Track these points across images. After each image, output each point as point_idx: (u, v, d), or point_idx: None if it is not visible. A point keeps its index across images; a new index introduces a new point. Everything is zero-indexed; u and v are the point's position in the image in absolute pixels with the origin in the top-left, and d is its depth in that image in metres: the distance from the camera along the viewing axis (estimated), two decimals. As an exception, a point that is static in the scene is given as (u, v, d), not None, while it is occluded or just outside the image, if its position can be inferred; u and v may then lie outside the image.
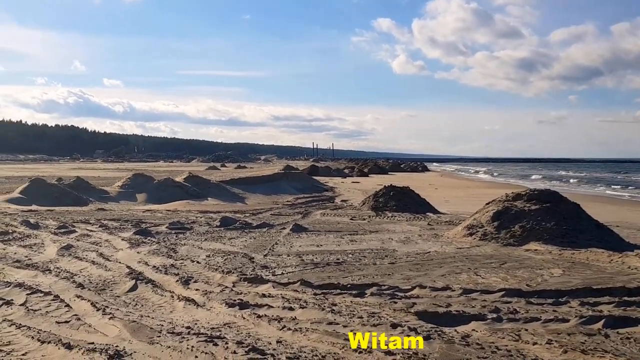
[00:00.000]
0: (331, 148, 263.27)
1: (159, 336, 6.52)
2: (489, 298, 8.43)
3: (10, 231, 15.20)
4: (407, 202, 24.19)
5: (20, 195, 25.05)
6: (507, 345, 6.17)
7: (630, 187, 55.92)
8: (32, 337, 6.56)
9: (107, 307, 7.99)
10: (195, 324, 7.15)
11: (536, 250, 13.50)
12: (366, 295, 8.63)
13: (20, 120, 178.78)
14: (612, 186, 57.72)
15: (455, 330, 6.79)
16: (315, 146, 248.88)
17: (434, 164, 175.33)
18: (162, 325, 7.00)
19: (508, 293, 8.64)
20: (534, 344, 6.14)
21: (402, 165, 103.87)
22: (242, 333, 6.72)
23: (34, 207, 22.68)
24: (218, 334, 6.63)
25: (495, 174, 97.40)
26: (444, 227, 17.98)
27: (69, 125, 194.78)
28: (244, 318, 7.31)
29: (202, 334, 6.56)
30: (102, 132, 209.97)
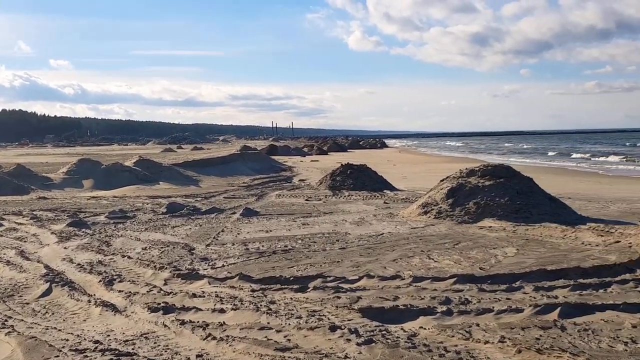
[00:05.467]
0: (291, 127, 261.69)
1: (57, 356, 5.72)
2: (439, 286, 7.87)
3: None
4: (365, 180, 23.74)
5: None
6: (456, 346, 5.59)
7: (580, 158, 56.61)
8: None
9: (9, 318, 7.16)
10: (108, 335, 6.36)
11: (490, 227, 13.09)
12: (308, 290, 7.98)
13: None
14: (564, 157, 58.35)
15: (402, 329, 6.19)
16: (274, 125, 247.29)
17: (393, 140, 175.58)
18: (67, 341, 6.18)
19: (460, 279, 8.10)
20: (486, 342, 5.56)
21: (361, 143, 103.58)
22: (159, 346, 5.98)
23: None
24: (130, 348, 5.87)
25: (455, 148, 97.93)
26: (400, 205, 17.50)
27: (17, 109, 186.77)
28: (165, 326, 6.55)
29: (111, 350, 5.78)
30: (53, 115, 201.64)
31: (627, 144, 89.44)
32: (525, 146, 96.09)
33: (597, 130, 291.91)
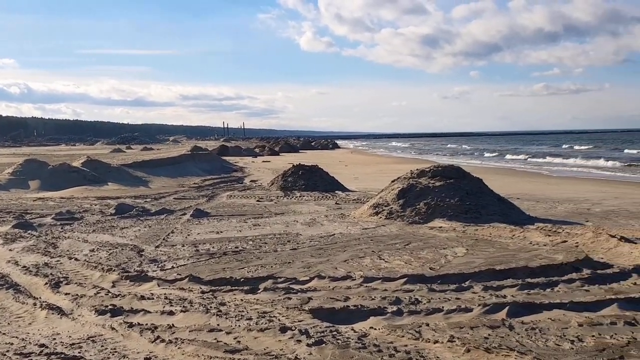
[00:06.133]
0: (242, 127, 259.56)
1: (1, 360, 5.55)
2: (390, 287, 7.89)
3: None
4: (316, 181, 23.72)
5: None
6: (406, 346, 5.60)
7: (529, 159, 57.88)
8: None
9: (-49, 323, 6.92)
10: (54, 339, 6.19)
11: (441, 227, 13.22)
12: (259, 291, 7.90)
13: None
14: (513, 158, 59.56)
15: (352, 329, 6.18)
16: (225, 126, 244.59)
17: (345, 141, 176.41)
18: (12, 345, 6.01)
19: (410, 279, 8.14)
20: (435, 342, 5.59)
21: (313, 143, 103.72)
22: (106, 349, 5.85)
23: None
24: (77, 352, 5.72)
25: (403, 149, 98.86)
26: (351, 206, 17.54)
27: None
28: (113, 328, 6.41)
29: (57, 353, 5.64)
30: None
31: (565, 146, 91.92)
32: (472, 147, 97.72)
33: (545, 132, 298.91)
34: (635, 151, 66.21)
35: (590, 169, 42.01)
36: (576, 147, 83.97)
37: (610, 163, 45.91)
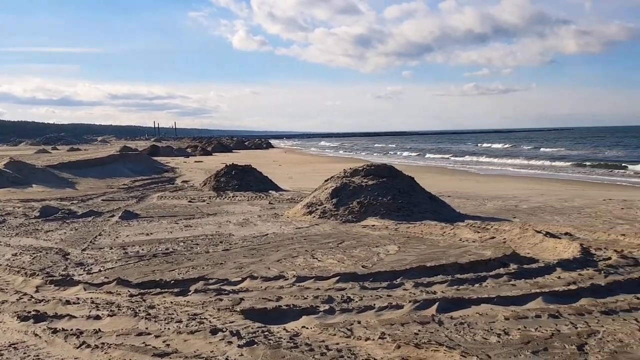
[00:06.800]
0: (174, 127, 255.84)
1: None
2: (323, 286, 7.88)
3: None
4: (250, 181, 23.56)
5: None
6: (338, 344, 5.59)
7: (460, 157, 59.23)
8: None
9: None
10: (-27, 347, 5.91)
11: (374, 225, 13.33)
12: (190, 293, 7.75)
13: None
14: (445, 157, 60.81)
15: (285, 329, 6.13)
16: (156, 125, 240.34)
17: (279, 140, 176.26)
18: None
19: (343, 278, 8.15)
20: (367, 339, 5.60)
21: (246, 143, 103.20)
22: (29, 356, 5.60)
23: None
24: (-4, 360, 5.48)
25: (336, 149, 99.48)
26: (285, 206, 17.49)
27: None
28: (36, 335, 6.15)
29: (-26, 363, 5.38)
30: None
31: (485, 144, 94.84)
32: (407, 145, 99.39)
33: (475, 131, 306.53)
34: (549, 149, 69.20)
35: (509, 167, 43.40)
36: (496, 146, 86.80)
37: (525, 161, 48.00)
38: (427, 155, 65.29)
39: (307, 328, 6.11)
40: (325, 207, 14.96)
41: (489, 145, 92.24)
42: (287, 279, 8.27)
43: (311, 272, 8.82)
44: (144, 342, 5.79)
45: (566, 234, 11.84)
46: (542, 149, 72.24)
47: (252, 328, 6.16)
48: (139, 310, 6.94)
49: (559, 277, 8.12)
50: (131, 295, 7.72)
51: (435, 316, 6.34)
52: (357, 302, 7.07)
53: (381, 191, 15.08)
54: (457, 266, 8.74)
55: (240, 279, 8.41)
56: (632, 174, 34.33)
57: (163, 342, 5.79)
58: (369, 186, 15.28)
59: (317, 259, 9.94)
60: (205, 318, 6.61)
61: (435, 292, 7.42)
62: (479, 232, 11.91)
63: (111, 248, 11.38)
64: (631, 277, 8.05)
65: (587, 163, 43.16)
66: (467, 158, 57.67)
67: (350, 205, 14.70)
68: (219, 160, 43.48)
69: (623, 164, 40.21)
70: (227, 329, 6.02)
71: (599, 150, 65.92)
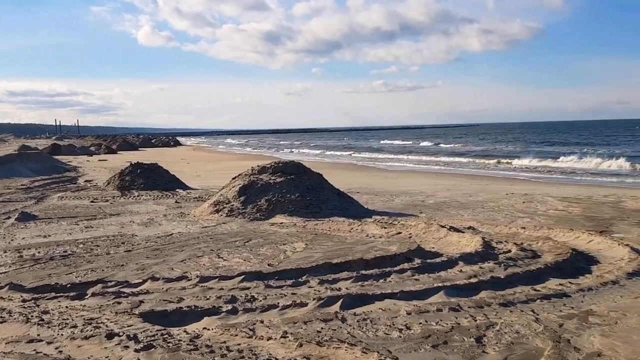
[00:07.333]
0: (77, 125, 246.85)
1: None
2: (226, 285, 7.71)
3: None
4: (156, 180, 23.00)
5: None
6: (239, 344, 5.46)
7: (367, 153, 60.24)
8: None
9: None
10: None
11: (282, 223, 13.25)
12: (87, 297, 7.41)
13: None
14: (353, 154, 61.59)
15: (185, 331, 5.93)
16: (58, 123, 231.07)
17: (188, 138, 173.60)
18: None
19: (248, 277, 8.01)
20: (269, 339, 5.50)
21: (153, 141, 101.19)
22: None
23: None
24: None
25: (243, 146, 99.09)
26: (192, 204, 17.15)
27: None
28: None
29: None
30: None
31: (382, 141, 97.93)
32: (317, 142, 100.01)
33: (384, 128, 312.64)
34: (448, 145, 72.12)
35: (405, 163, 44.78)
36: (398, 143, 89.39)
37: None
38: (330, 153, 65.86)
39: (208, 329, 5.94)
40: (232, 205, 14.75)
41: (391, 142, 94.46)
42: (190, 280, 8.05)
43: (215, 271, 8.63)
44: (34, 350, 5.47)
45: (470, 228, 12.16)
46: (441, 145, 75.12)
47: (150, 331, 5.93)
48: (32, 316, 6.56)
49: (460, 271, 8.29)
50: (24, 301, 7.30)
51: (339, 313, 6.31)
52: (261, 301, 6.96)
53: (289, 188, 15.02)
54: (363, 262, 8.77)
55: (140, 280, 8.12)
56: (517, 168, 36.43)
57: (55, 348, 5.49)
58: (277, 184, 15.19)
59: (222, 258, 9.76)
60: (102, 322, 6.32)
61: (339, 289, 7.40)
62: (385, 228, 12.03)
63: (5, 251, 10.77)
64: (529, 269, 8.32)
65: (467, 159, 45.55)
66: (367, 155, 58.78)
67: (258, 203, 14.56)
68: (124, 159, 42.32)
69: (506, 160, 42.43)
70: (124, 333, 5.78)
71: (493, 146, 68.91)
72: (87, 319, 6.45)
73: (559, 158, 40.75)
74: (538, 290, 7.33)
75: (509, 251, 9.46)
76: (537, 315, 6.34)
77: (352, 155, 60.05)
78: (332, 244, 10.69)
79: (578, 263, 8.80)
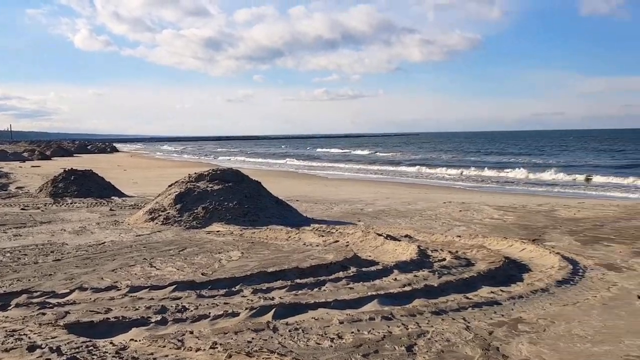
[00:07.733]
0: (9, 129, 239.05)
1: None
2: (157, 295, 7.53)
3: None
4: (90, 187, 22.40)
5: None
6: (167, 356, 5.32)
7: (308, 162, 60.49)
8: None
9: None
10: None
11: (218, 231, 13.09)
12: (10, 308, 7.11)
13: None
14: (294, 161, 61.70)
15: (111, 343, 5.75)
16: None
17: (125, 144, 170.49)
18: None
19: (180, 286, 7.84)
20: (197, 350, 5.37)
21: (89, 147, 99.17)
22: None
23: None
24: None
25: (180, 153, 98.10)
26: (127, 212, 16.76)
27: None
28: None
29: None
30: None
31: (318, 149, 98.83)
32: (258, 150, 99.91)
33: (325, 136, 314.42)
34: (384, 154, 74.01)
35: (341, 171, 45.34)
36: (334, 151, 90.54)
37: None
38: (269, 160, 65.85)
39: (135, 341, 5.77)
40: (168, 213, 14.49)
41: (328, 150, 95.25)
42: (120, 290, 7.82)
43: (147, 281, 8.41)
44: (-53, 365, 5.20)
45: (406, 236, 12.26)
46: (378, 153, 76.36)
47: (75, 343, 5.72)
48: (-54, 330, 6.25)
49: (395, 279, 8.32)
50: (-61, 314, 6.95)
51: (271, 323, 6.23)
52: (192, 311, 6.81)
53: (227, 196, 14.86)
54: (298, 271, 8.71)
55: (68, 290, 7.84)
56: (455, 177, 37.50)
57: (-30, 363, 5.23)
58: (215, 191, 15.01)
59: (155, 267, 9.53)
60: (24, 334, 6.07)
61: (273, 298, 7.32)
62: (323, 236, 12.02)
63: None
64: (462, 277, 8.43)
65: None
66: (305, 163, 59.15)
67: (195, 211, 14.34)
68: (58, 165, 41.19)
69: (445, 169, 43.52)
70: (46, 345, 5.55)
71: (432, 155, 70.45)
72: (9, 331, 6.18)
73: (497, 167, 41.78)
74: (470, 299, 7.42)
75: (444, 259, 9.57)
76: (468, 323, 6.41)
77: (287, 162, 60.31)
78: (269, 253, 10.60)
79: (510, 271, 8.97)
